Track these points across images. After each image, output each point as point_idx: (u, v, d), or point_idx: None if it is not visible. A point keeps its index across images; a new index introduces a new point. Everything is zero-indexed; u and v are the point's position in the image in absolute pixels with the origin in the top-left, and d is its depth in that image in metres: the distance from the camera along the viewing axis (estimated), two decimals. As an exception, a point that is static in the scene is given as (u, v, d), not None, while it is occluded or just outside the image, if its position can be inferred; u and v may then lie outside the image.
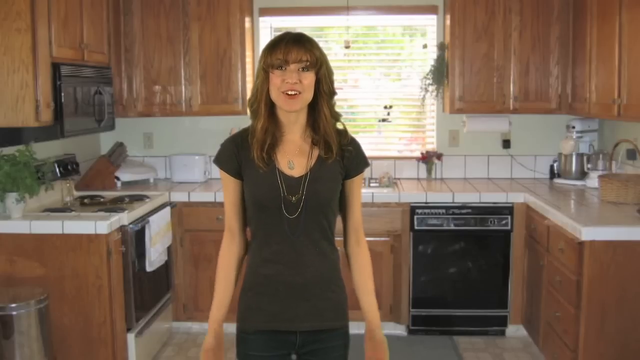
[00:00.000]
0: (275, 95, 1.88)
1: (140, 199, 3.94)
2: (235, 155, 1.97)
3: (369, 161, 2.07)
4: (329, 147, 1.92)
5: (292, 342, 1.98)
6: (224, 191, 2.01)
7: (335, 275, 2.02)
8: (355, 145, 2.00)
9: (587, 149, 4.47)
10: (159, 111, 4.49)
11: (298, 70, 1.86)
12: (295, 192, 1.88)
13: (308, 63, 1.87)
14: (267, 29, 4.80)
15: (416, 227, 4.14)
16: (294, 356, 2.03)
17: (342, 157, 1.95)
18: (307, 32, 4.96)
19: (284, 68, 1.85)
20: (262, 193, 1.90)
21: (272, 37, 1.99)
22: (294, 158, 1.92)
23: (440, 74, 4.49)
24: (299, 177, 1.90)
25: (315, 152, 1.93)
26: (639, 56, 3.22)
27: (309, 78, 1.87)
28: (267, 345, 2.00)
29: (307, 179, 1.90)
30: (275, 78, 1.86)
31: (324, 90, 1.92)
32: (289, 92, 1.85)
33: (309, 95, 1.90)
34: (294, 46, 1.86)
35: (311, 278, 1.94)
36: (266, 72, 1.88)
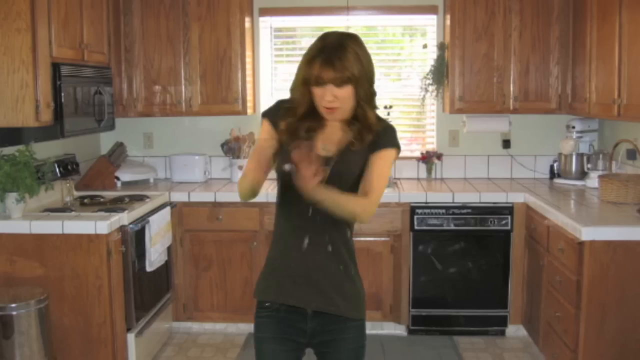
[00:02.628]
0: (317, 104, 1.95)
1: (140, 199, 3.94)
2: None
3: (400, 145, 2.09)
4: (362, 137, 1.98)
5: (303, 329, 2.02)
6: (256, 151, 2.10)
7: (351, 261, 2.07)
8: (385, 128, 2.05)
9: (587, 149, 4.47)
10: (159, 111, 4.50)
11: (334, 86, 1.91)
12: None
13: (343, 80, 1.90)
14: (267, 29, 4.80)
15: (416, 227, 4.14)
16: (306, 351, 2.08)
17: (372, 142, 2.01)
18: (307, 32, 4.89)
19: (321, 85, 1.91)
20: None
21: (314, 43, 1.95)
22: (330, 142, 2.00)
23: (440, 74, 4.49)
24: (330, 158, 1.97)
25: (349, 138, 2.00)
26: (639, 56, 3.22)
27: (346, 92, 1.92)
28: (278, 329, 2.04)
29: (334, 161, 1.96)
30: (315, 91, 1.93)
31: (362, 98, 1.96)
32: (328, 107, 1.93)
33: (348, 106, 1.96)
34: (328, 66, 1.88)
35: (321, 264, 2.00)
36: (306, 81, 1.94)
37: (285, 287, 2.02)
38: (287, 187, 1.95)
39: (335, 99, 1.91)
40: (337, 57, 1.88)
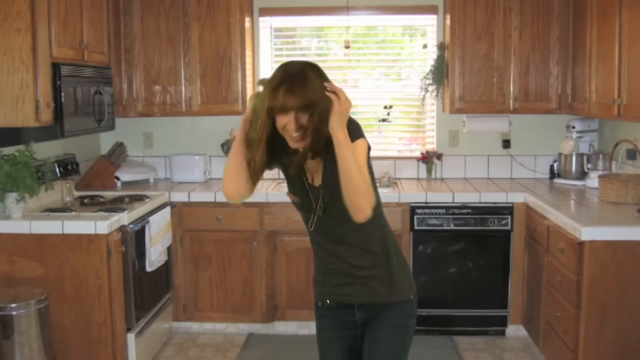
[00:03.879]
0: (282, 133, 1.97)
1: (140, 199, 3.94)
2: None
3: (365, 136, 2.09)
4: (329, 147, 1.99)
5: (354, 321, 2.21)
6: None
7: (378, 257, 2.16)
8: (348, 123, 2.00)
9: (587, 149, 4.47)
10: (159, 111, 4.50)
11: (297, 113, 1.91)
12: (317, 198, 2.11)
13: (304, 105, 1.91)
14: (267, 29, 4.80)
15: (416, 227, 4.14)
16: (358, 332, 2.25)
17: None
18: (307, 32, 4.90)
19: (285, 112, 1.92)
20: (297, 199, 2.17)
21: (274, 73, 1.97)
22: (314, 171, 2.11)
23: (440, 74, 4.49)
24: (318, 187, 2.10)
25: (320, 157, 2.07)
26: (639, 56, 3.22)
27: (306, 119, 1.92)
28: (334, 327, 2.25)
29: (323, 187, 2.09)
30: (279, 120, 1.93)
31: (321, 119, 1.93)
32: (293, 134, 1.94)
33: (310, 132, 1.95)
34: (289, 95, 1.89)
35: (354, 264, 2.15)
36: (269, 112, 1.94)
37: (331, 288, 2.22)
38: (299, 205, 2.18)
39: (301, 127, 1.92)
40: (299, 85, 1.90)
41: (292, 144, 1.97)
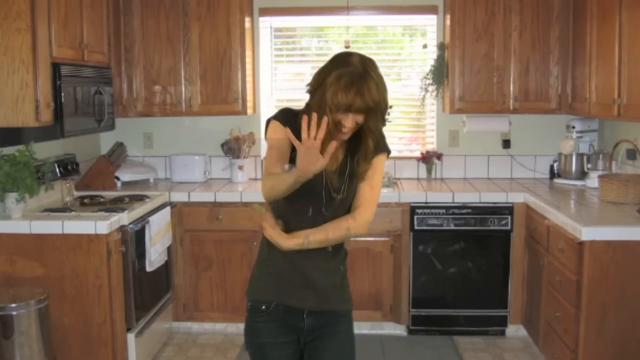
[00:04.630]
0: (330, 120, 1.92)
1: (140, 199, 3.94)
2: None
3: (389, 149, 2.15)
4: (358, 161, 2.08)
5: (301, 327, 2.10)
6: (274, 148, 2.03)
7: (339, 262, 2.19)
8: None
9: (587, 149, 4.47)
10: (159, 111, 4.50)
11: (357, 114, 1.95)
12: (328, 183, 2.05)
13: (367, 109, 1.94)
14: (267, 29, 4.80)
15: (416, 227, 4.14)
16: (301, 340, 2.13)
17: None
18: (307, 32, 4.90)
19: (347, 112, 1.93)
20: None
21: (339, 69, 1.93)
22: (333, 157, 2.00)
23: (440, 74, 4.49)
24: (335, 170, 2.07)
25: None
26: (639, 56, 3.22)
27: (362, 119, 1.97)
28: (278, 333, 2.11)
29: (339, 173, 2.07)
30: (337, 115, 1.93)
31: (370, 128, 2.00)
32: (344, 130, 1.97)
33: (356, 127, 2.00)
34: (359, 96, 1.90)
35: (321, 265, 2.10)
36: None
37: (285, 287, 2.08)
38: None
39: (356, 125, 1.97)
40: (367, 87, 1.91)
41: (339, 136, 1.97)
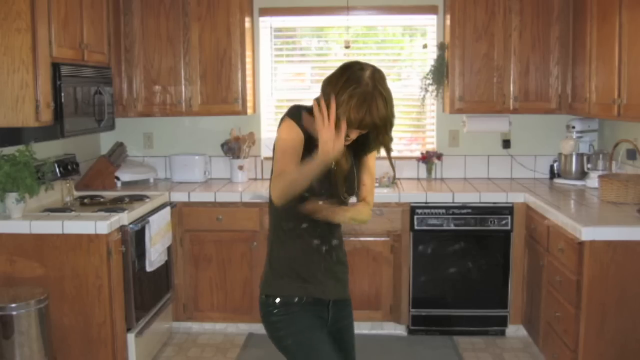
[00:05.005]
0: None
1: (140, 199, 3.94)
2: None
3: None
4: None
5: (325, 317, 2.25)
6: (289, 148, 2.05)
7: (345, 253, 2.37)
8: None
9: (587, 149, 4.47)
10: (159, 111, 4.50)
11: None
12: (340, 182, 2.17)
13: (372, 127, 2.01)
14: (267, 29, 4.80)
15: (416, 227, 4.14)
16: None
17: None
18: (307, 32, 4.90)
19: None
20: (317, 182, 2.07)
21: (354, 90, 1.95)
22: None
23: (440, 74, 4.49)
24: (345, 169, 2.18)
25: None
26: (639, 56, 3.22)
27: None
28: (313, 320, 2.22)
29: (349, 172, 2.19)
30: (344, 125, 1.95)
31: (375, 140, 2.07)
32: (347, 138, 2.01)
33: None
34: (369, 114, 1.96)
35: (340, 258, 2.31)
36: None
37: (310, 281, 2.20)
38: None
39: (360, 135, 2.05)
40: (376, 106, 1.96)
41: (344, 142, 1.98)
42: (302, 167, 1.97)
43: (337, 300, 2.27)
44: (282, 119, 2.12)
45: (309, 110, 2.06)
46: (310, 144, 2.03)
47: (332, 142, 1.88)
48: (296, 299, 2.17)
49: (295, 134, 2.06)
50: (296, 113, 2.10)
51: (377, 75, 1.99)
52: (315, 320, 2.19)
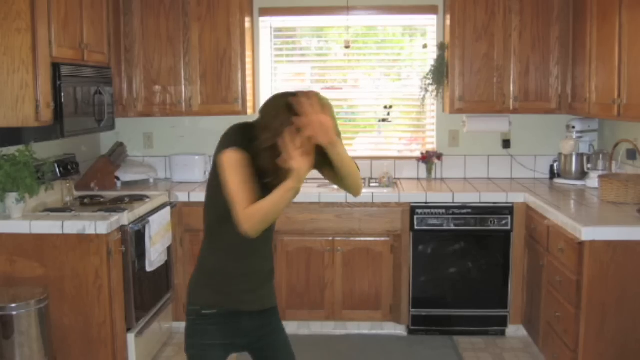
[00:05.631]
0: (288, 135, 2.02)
1: (140, 199, 3.94)
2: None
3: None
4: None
5: (247, 328, 2.22)
6: (238, 174, 2.04)
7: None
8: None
9: (587, 149, 4.47)
10: (159, 111, 4.50)
11: None
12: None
13: None
14: (267, 29, 4.80)
15: (416, 227, 4.14)
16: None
17: None
18: (307, 32, 4.92)
19: None
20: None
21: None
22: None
23: (440, 74, 4.49)
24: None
25: None
26: (639, 56, 3.22)
27: None
28: (225, 335, 2.21)
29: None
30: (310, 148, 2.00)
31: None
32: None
33: None
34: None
35: (269, 267, 2.29)
36: None
37: (232, 293, 2.18)
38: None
39: None
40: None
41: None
42: (273, 198, 1.98)
43: (261, 310, 2.24)
44: (221, 148, 2.09)
45: (247, 126, 2.11)
46: (256, 158, 2.04)
47: (305, 168, 1.94)
48: (209, 311, 2.17)
49: (242, 166, 2.04)
50: (235, 137, 2.08)
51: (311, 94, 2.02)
52: (222, 337, 2.18)
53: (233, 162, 2.03)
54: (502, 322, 4.21)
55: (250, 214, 1.99)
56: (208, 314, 2.17)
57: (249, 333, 2.21)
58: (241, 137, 2.08)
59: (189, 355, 2.23)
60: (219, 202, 2.09)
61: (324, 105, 1.98)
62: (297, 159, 1.93)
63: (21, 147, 3.34)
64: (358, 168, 2.18)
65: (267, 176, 2.04)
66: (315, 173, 2.20)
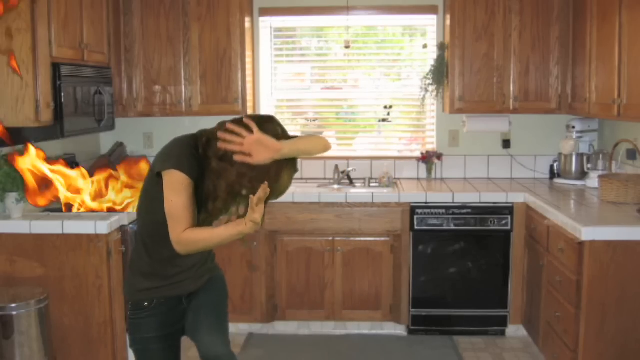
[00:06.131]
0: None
1: (140, 199, 3.93)
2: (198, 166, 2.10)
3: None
4: None
5: (183, 309, 2.32)
6: (183, 197, 2.06)
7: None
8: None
9: (587, 149, 4.47)
10: (159, 111, 4.50)
11: None
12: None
13: None
14: (267, 29, 4.80)
15: (416, 227, 4.14)
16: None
17: None
18: (307, 32, 4.94)
19: None
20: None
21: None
22: None
23: (440, 74, 4.49)
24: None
25: None
26: (639, 56, 3.22)
27: None
28: (162, 325, 2.28)
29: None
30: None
31: None
32: None
33: None
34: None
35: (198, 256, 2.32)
36: None
37: (167, 286, 2.25)
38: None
39: None
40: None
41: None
42: (220, 236, 2.00)
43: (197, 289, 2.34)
44: (164, 166, 2.11)
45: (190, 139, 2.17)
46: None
47: (260, 217, 1.91)
48: (146, 303, 2.23)
49: (185, 180, 2.06)
50: (185, 160, 2.08)
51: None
52: (162, 328, 2.24)
53: (181, 185, 2.04)
54: (502, 322, 4.21)
55: (187, 239, 2.02)
56: (147, 307, 2.24)
57: (183, 313, 2.30)
58: (191, 158, 2.07)
59: (134, 350, 2.29)
60: (156, 209, 2.10)
61: (256, 123, 1.98)
62: (256, 214, 1.91)
63: (21, 147, 3.34)
64: (315, 138, 2.23)
65: (206, 201, 2.05)
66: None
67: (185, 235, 2.02)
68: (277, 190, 2.04)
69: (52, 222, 3.32)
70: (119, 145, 4.59)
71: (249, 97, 4.52)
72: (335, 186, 4.58)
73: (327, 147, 2.25)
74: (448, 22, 4.43)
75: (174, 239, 2.03)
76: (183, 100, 4.46)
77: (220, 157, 2.00)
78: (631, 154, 3.96)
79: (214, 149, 2.01)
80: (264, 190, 1.89)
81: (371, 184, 4.65)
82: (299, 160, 2.15)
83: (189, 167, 2.06)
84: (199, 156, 2.07)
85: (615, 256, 3.03)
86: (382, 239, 4.17)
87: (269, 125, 2.04)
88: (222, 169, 1.99)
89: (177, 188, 2.04)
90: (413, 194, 4.18)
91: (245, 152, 1.94)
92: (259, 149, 1.95)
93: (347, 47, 4.60)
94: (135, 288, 2.26)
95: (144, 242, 2.25)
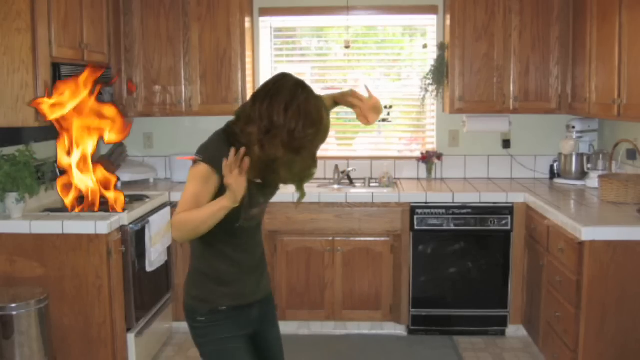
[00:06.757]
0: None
1: (140, 199, 3.94)
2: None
3: None
4: None
5: (254, 317, 2.27)
6: (196, 185, 2.05)
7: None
8: None
9: (587, 149, 4.47)
10: (159, 111, 4.50)
11: None
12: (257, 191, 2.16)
13: None
14: (267, 29, 4.80)
15: (416, 227, 4.14)
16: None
17: None
18: (307, 32, 4.94)
19: None
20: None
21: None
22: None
23: (440, 74, 4.49)
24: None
25: None
26: (639, 56, 3.22)
27: None
28: (238, 327, 2.23)
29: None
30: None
31: None
32: None
33: None
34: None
35: (263, 262, 2.34)
36: None
37: (242, 293, 2.23)
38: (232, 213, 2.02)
39: None
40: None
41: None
42: (205, 213, 1.97)
43: (264, 298, 2.32)
44: (198, 157, 2.09)
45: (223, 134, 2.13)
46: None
47: (241, 188, 1.91)
48: (224, 307, 2.19)
49: (212, 187, 2.05)
50: (218, 156, 2.04)
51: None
52: (238, 329, 2.21)
53: (197, 175, 2.05)
54: (502, 322, 4.21)
55: (179, 221, 2.01)
56: (222, 310, 2.19)
57: (254, 322, 2.27)
58: (220, 151, 2.02)
59: (208, 353, 2.22)
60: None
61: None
62: (234, 177, 1.90)
63: (21, 147, 3.34)
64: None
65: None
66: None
67: (179, 216, 2.01)
68: (326, 130, 2.08)
69: (52, 222, 3.32)
70: (119, 146, 4.58)
71: (249, 97, 4.52)
72: (335, 186, 4.58)
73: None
74: (448, 22, 4.43)
75: (171, 222, 2.06)
76: (183, 100, 4.46)
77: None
78: (631, 154, 3.96)
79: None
80: (239, 156, 1.89)
81: (371, 184, 4.65)
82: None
83: (216, 157, 2.02)
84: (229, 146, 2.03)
85: (615, 256, 3.03)
86: (382, 239, 4.17)
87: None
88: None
89: (195, 177, 2.06)
90: (413, 194, 4.18)
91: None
92: (374, 116, 2.27)
93: (347, 47, 4.60)
94: (207, 298, 2.20)
95: (205, 251, 2.20)
